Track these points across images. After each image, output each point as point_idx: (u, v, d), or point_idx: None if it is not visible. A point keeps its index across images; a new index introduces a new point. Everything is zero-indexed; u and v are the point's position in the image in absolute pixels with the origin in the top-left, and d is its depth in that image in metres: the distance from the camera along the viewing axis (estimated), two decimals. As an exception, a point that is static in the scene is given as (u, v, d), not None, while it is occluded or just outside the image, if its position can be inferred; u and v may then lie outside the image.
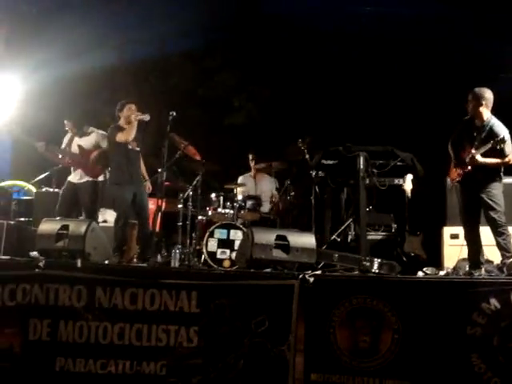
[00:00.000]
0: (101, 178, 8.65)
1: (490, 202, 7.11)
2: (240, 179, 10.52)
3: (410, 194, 8.85)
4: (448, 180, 8.01)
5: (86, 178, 8.54)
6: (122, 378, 5.73)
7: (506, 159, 7.13)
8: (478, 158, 7.09)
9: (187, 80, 13.52)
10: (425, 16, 10.14)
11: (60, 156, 8.66)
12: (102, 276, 5.94)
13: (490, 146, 7.08)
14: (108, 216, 8.70)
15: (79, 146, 8.65)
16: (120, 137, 8.17)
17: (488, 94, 7.26)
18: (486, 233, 7.33)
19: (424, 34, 10.65)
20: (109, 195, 8.49)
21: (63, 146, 8.75)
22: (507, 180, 7.61)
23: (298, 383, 5.64)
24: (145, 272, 6.38)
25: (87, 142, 8.70)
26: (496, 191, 7.17)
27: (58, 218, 8.09)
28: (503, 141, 7.01)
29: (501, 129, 7.16)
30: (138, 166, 8.42)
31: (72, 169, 8.71)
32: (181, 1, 10.75)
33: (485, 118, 7.24)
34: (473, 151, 7.15)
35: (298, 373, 5.64)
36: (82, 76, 11.54)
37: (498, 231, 7.09)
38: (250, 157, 10.52)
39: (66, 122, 8.78)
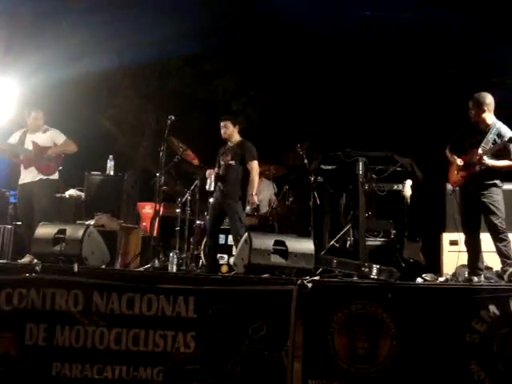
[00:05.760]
0: (54, 177, 8.50)
1: (492, 207, 7.07)
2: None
3: (409, 200, 8.82)
4: (448, 185, 7.95)
5: (40, 176, 8.33)
6: (118, 383, 5.69)
7: None
8: (486, 159, 7.05)
9: (186, 84, 13.50)
10: (425, 20, 10.11)
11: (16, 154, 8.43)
12: (99, 281, 5.91)
13: (498, 146, 7.05)
14: (104, 220, 8.62)
15: (33, 143, 8.41)
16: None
17: (489, 99, 7.21)
18: (485, 239, 7.29)
19: (424, 38, 10.62)
20: (236, 210, 8.23)
21: (14, 142, 8.48)
22: (507, 186, 7.58)
23: (296, 389, 5.61)
24: (142, 277, 6.33)
25: (43, 139, 8.47)
26: (497, 197, 7.14)
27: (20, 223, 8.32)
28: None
29: (507, 130, 7.12)
30: None
31: (22, 169, 8.44)
32: (180, 4, 10.71)
33: (490, 123, 7.19)
34: (480, 151, 7.11)
35: (295, 379, 5.60)
36: (81, 80, 11.51)
37: (498, 237, 7.04)
38: None
39: (34, 113, 8.48)
